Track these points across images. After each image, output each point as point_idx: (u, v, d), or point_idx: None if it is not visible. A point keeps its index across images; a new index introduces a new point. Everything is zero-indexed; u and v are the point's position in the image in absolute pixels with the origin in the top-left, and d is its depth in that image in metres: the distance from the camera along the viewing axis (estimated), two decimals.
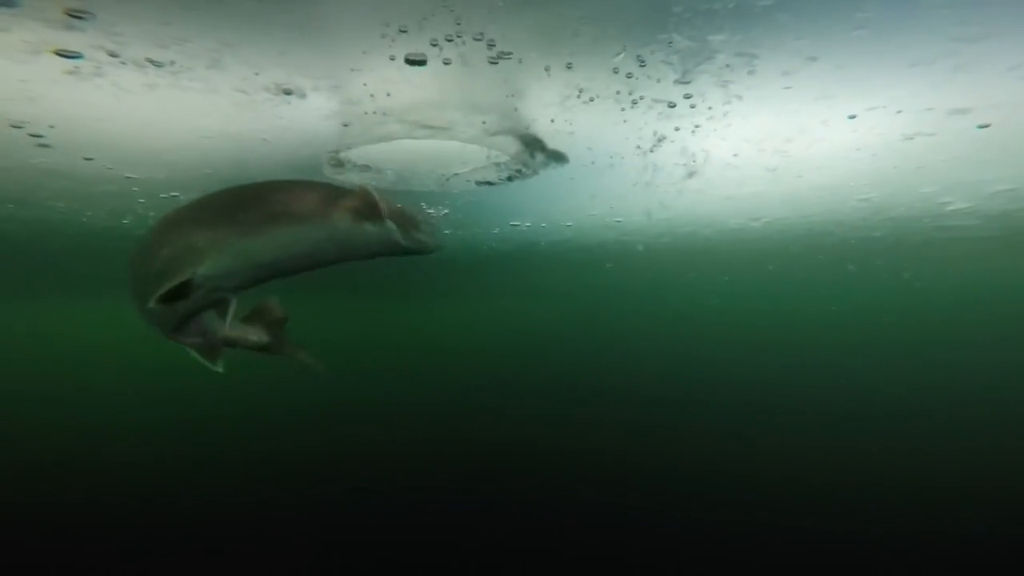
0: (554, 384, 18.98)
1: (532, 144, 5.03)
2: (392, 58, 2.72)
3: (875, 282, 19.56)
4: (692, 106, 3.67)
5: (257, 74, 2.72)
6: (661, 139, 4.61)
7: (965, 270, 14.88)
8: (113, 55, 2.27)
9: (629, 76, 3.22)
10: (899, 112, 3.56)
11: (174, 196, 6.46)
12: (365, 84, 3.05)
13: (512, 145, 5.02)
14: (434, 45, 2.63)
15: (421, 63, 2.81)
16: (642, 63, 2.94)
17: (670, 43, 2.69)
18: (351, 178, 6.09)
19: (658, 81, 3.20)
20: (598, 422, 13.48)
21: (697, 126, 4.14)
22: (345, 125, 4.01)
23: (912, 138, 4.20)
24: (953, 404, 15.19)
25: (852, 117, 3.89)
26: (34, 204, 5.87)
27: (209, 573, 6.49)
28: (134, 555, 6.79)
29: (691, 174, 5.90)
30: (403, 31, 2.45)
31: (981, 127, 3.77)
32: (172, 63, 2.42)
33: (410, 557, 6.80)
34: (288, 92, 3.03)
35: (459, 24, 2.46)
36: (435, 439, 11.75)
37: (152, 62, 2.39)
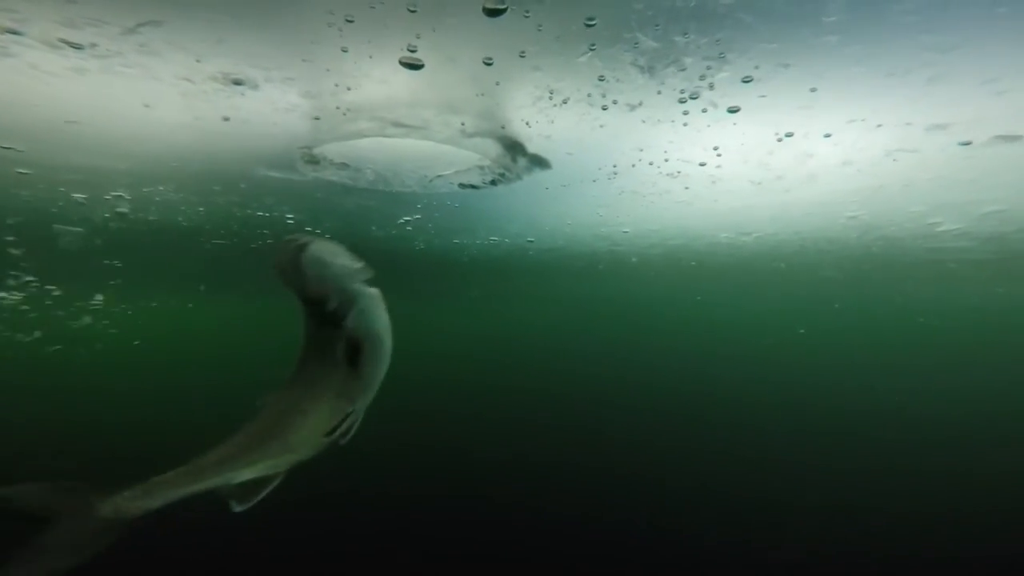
0: (546, 392, 18.76)
1: (512, 147, 4.91)
2: (344, 50, 2.58)
3: (870, 302, 19.47)
4: (667, 112, 3.55)
5: (198, 61, 2.57)
6: (641, 147, 4.49)
7: (960, 292, 14.81)
8: (13, 32, 2.13)
9: (601, 79, 3.10)
10: (879, 126, 3.44)
11: (151, 190, 6.31)
12: (327, 77, 2.91)
13: (492, 148, 4.89)
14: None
15: (417, 67, 2.71)
16: (610, 64, 2.82)
17: (636, 44, 2.57)
18: (328, 175, 5.95)
19: (629, 84, 3.07)
20: (589, 431, 13.26)
21: (673, 134, 4.01)
22: (315, 119, 3.88)
23: (895, 154, 4.08)
24: (949, 425, 15.03)
25: (827, 136, 3.78)
26: None
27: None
28: (129, 555, 6.58)
29: (679, 184, 5.78)
30: (349, 21, 2.31)
31: (963, 144, 3.65)
32: (93, 46, 2.27)
33: (402, 561, 6.59)
34: (239, 83, 2.89)
35: (414, 12, 2.32)
36: (422, 446, 11.52)
37: (68, 43, 2.24)
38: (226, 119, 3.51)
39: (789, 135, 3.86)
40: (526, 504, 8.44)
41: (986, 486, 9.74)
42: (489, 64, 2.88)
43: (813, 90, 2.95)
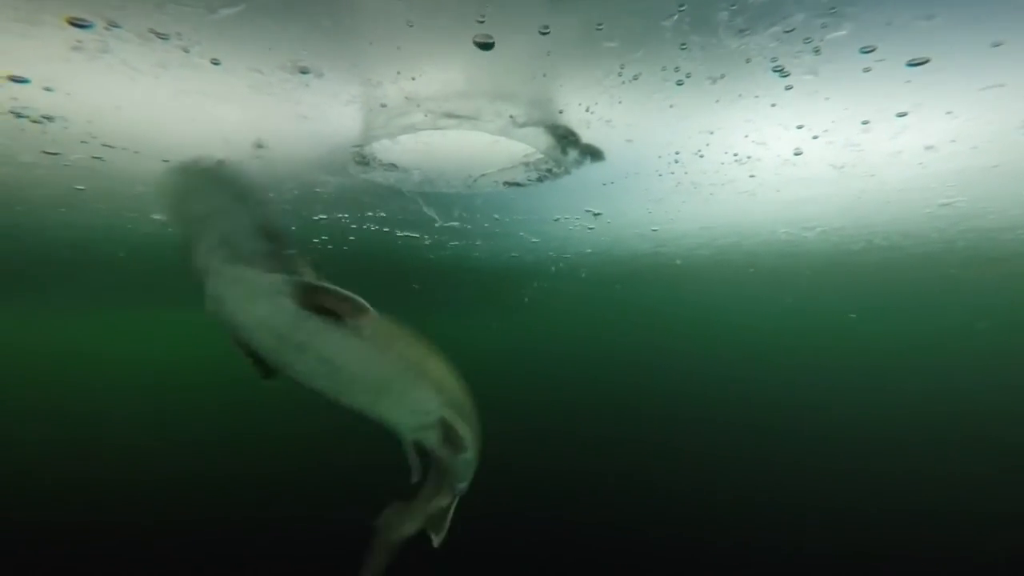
0: (572, 404, 18.20)
1: (565, 137, 4.66)
2: (410, 24, 2.45)
3: (940, 306, 17.57)
4: (752, 84, 3.18)
5: (271, 49, 2.53)
6: (711, 129, 4.11)
7: None
8: (114, 25, 2.12)
9: (683, 47, 2.79)
10: (1022, 88, 2.91)
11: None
12: (391, 62, 2.79)
13: (542, 139, 4.67)
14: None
15: (488, 46, 2.57)
16: (698, 27, 2.52)
17: (735, 1, 2.26)
18: (376, 177, 5.94)
19: (715, 51, 2.75)
20: (615, 442, 12.65)
21: (753, 112, 3.62)
22: (373, 110, 3.81)
23: None
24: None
25: (949, 110, 3.24)
26: (81, 208, 6.05)
27: None
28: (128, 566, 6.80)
29: (745, 172, 5.32)
30: None
31: None
32: (179, 35, 2.25)
33: None
34: (305, 71, 2.83)
35: None
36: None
37: (156, 34, 2.22)
38: (287, 115, 3.50)
39: (894, 108, 3.37)
40: (555, 513, 8.05)
41: None
42: (559, 32, 2.64)
43: (937, 50, 2.51)
